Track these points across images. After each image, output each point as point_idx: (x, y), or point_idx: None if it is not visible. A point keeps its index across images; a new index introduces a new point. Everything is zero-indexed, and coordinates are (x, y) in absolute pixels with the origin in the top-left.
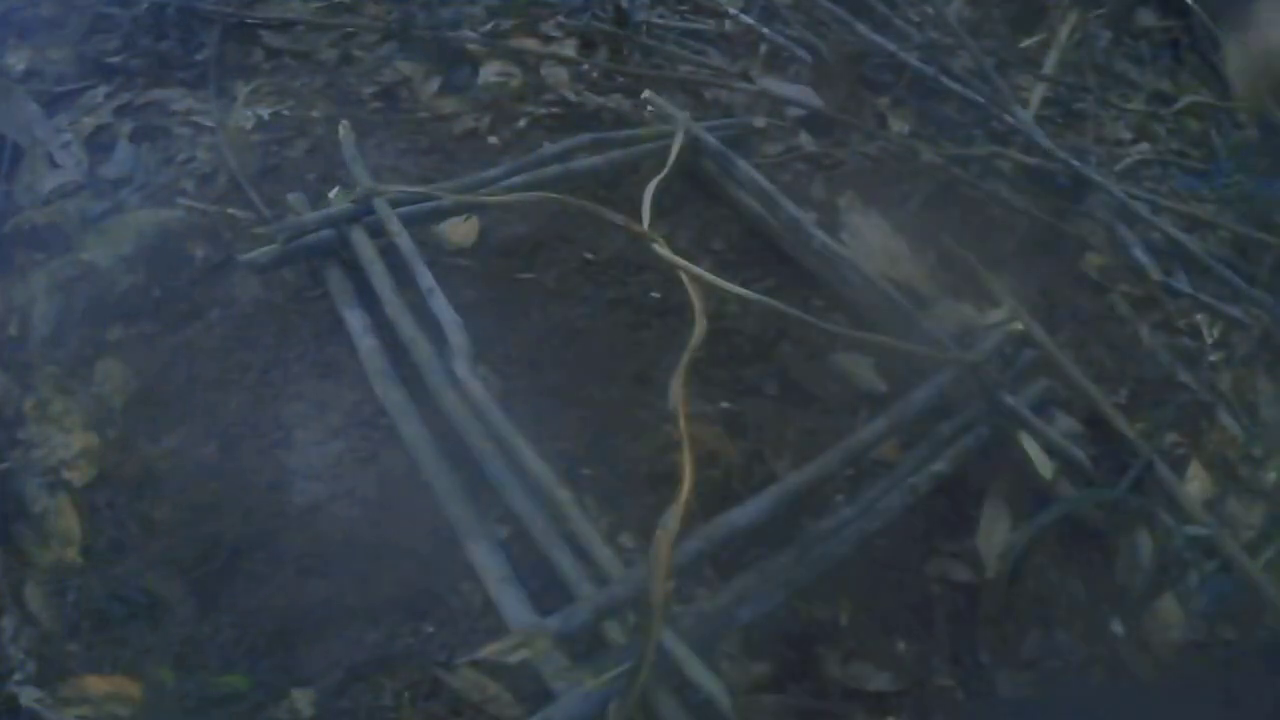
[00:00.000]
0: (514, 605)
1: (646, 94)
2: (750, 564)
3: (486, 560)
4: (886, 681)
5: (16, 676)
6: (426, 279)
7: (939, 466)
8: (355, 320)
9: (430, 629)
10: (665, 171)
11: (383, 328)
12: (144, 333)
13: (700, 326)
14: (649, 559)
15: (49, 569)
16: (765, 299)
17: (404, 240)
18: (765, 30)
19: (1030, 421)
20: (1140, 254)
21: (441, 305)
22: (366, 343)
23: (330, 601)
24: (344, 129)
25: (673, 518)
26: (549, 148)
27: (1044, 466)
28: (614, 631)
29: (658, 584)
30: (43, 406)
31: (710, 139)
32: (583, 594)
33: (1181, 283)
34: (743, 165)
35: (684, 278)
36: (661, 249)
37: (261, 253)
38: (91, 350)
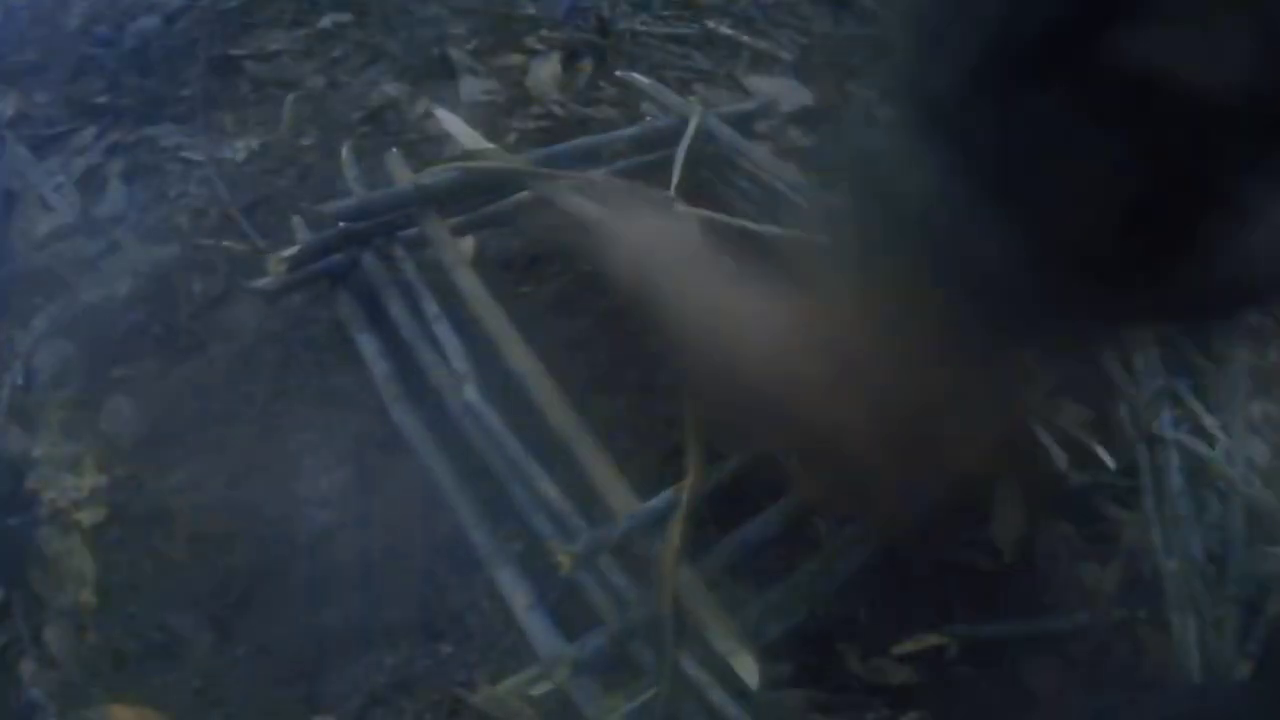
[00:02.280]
0: (542, 632)
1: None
2: (770, 571)
3: (512, 586)
4: (908, 675)
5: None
6: (432, 305)
7: None
8: (367, 345)
9: (449, 649)
10: (686, 143)
11: (395, 351)
12: (148, 370)
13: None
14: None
15: (66, 611)
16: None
17: (409, 265)
18: (746, 38)
19: (1043, 413)
20: None
21: (446, 332)
22: (380, 368)
23: (347, 627)
24: (346, 151)
25: (674, 532)
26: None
27: (1058, 458)
28: (645, 654)
29: (664, 602)
30: (51, 450)
31: (722, 126)
32: (606, 616)
33: None
34: (756, 150)
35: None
36: (683, 206)
37: (270, 279)
38: (96, 391)
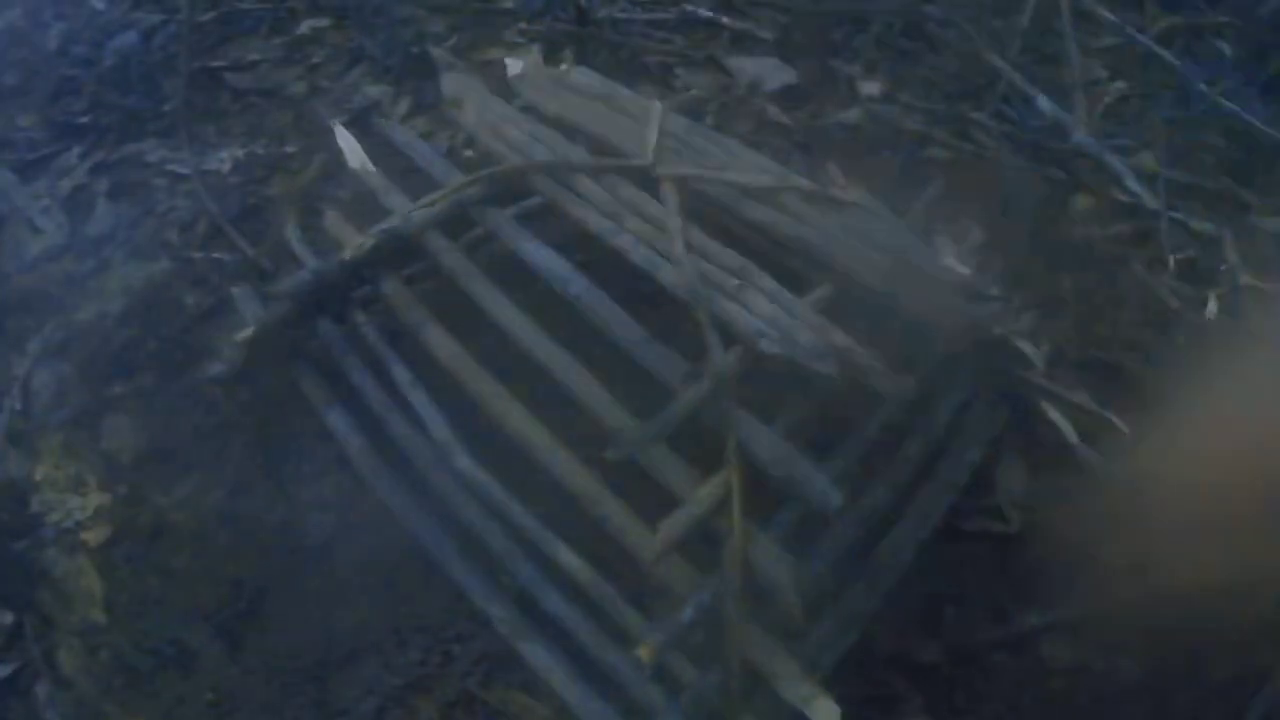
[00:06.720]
0: (589, 704)
1: None
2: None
3: (546, 662)
4: (935, 652)
5: None
6: (404, 374)
7: (972, 456)
8: (337, 420)
9: (460, 648)
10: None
11: (367, 420)
12: (144, 386)
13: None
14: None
15: (77, 631)
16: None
17: (371, 331)
18: (725, 19)
19: (1049, 390)
20: (1133, 184)
21: (422, 401)
22: (355, 443)
23: (357, 630)
24: (290, 227)
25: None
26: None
27: (1069, 432)
28: None
29: (733, 656)
30: (53, 472)
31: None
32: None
33: (1173, 211)
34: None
35: None
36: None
37: (226, 366)
38: (95, 409)
